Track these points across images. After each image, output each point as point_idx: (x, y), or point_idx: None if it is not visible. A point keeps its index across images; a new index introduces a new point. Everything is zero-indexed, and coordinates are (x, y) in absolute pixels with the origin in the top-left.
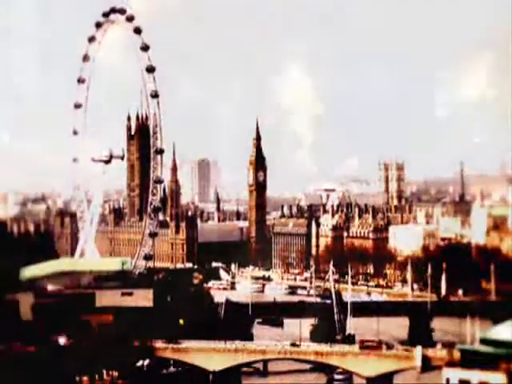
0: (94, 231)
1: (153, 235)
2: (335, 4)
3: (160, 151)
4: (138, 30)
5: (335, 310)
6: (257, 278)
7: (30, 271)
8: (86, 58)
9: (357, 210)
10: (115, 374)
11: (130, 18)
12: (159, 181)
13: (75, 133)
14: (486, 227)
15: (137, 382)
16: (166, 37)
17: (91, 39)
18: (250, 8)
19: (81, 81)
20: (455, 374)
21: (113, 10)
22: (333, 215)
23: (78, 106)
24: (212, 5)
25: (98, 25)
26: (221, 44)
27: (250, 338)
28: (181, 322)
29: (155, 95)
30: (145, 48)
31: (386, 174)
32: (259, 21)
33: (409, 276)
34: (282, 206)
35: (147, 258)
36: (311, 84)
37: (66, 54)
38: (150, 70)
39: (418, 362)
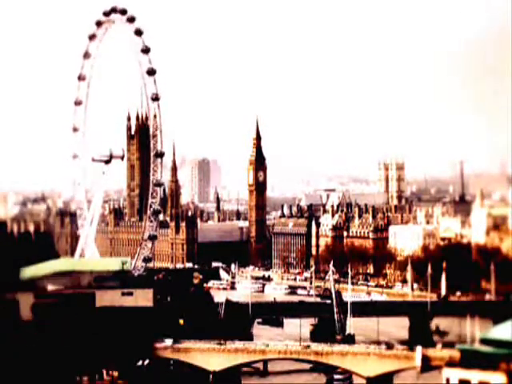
0: (94, 231)
1: (152, 238)
2: None
3: (160, 154)
4: (138, 32)
5: (335, 310)
6: (257, 278)
7: (30, 271)
8: (86, 55)
9: (357, 209)
10: (115, 373)
11: (131, 20)
12: (159, 184)
13: (75, 130)
14: (485, 227)
15: (137, 382)
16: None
17: (92, 37)
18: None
19: (81, 78)
20: (455, 373)
21: (113, 10)
22: (333, 215)
23: (78, 103)
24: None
25: (99, 23)
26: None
27: (250, 338)
28: (181, 322)
29: (156, 98)
30: (145, 50)
31: (386, 173)
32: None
33: (409, 276)
34: (282, 206)
35: (146, 260)
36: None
37: (67, 51)
38: (151, 72)
39: (418, 362)
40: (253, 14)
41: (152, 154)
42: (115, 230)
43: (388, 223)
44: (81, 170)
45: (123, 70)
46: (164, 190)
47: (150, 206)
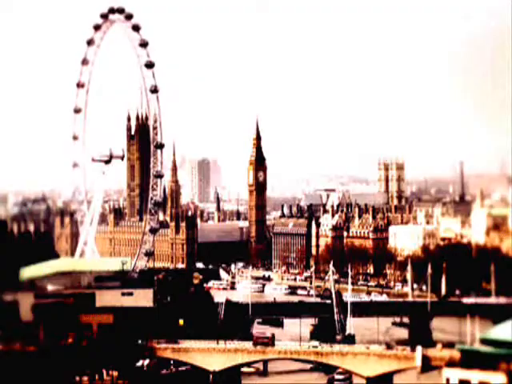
0: (94, 231)
1: (153, 231)
2: None
3: (160, 146)
4: (136, 28)
5: (335, 310)
6: (257, 278)
7: (29, 271)
8: (85, 61)
9: (357, 210)
10: (115, 373)
11: (129, 17)
12: (159, 175)
13: (75, 138)
14: (485, 227)
15: (137, 382)
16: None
17: (90, 42)
18: None
19: (80, 85)
20: (455, 373)
21: (111, 11)
22: (333, 215)
23: (77, 111)
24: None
25: (97, 27)
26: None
27: (250, 338)
28: (181, 322)
29: (155, 90)
30: (144, 44)
31: (386, 173)
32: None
33: (409, 276)
34: (282, 206)
35: (148, 254)
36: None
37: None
38: (149, 65)
39: (418, 362)
40: (252, 14)
41: (152, 145)
42: (115, 230)
43: (388, 223)
44: (81, 178)
45: (122, 68)
46: (164, 189)
47: (151, 199)
